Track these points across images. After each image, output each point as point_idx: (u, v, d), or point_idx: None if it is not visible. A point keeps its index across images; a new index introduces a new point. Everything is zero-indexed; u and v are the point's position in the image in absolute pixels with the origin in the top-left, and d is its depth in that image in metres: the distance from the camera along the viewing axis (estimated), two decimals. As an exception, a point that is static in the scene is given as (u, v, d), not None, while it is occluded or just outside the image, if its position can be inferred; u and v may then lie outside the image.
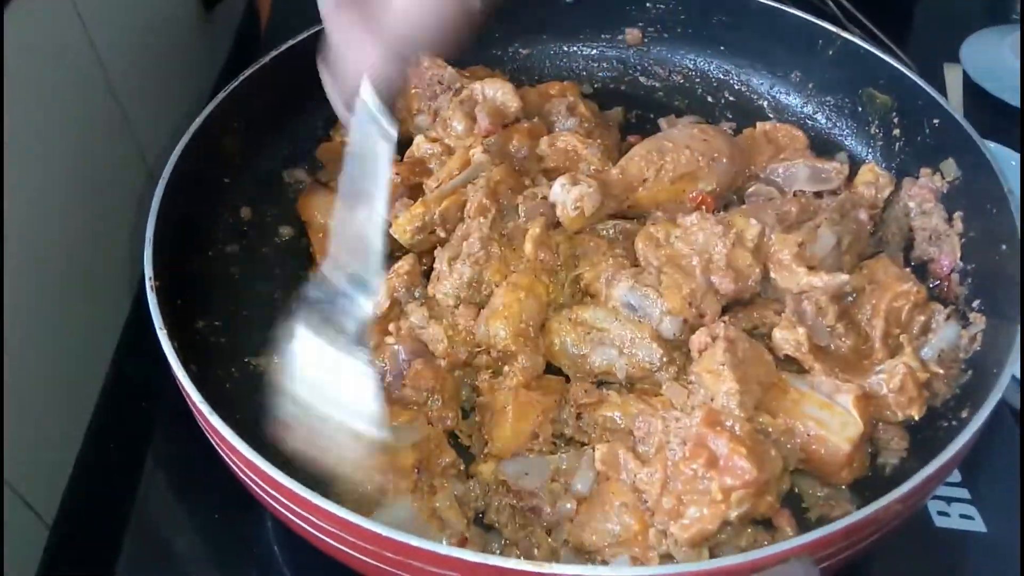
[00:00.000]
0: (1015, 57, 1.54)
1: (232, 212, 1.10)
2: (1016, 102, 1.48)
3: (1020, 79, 1.43)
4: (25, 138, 0.91)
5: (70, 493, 0.99)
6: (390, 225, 0.98)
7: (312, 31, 1.17)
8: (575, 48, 1.35)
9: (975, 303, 0.95)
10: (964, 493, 0.94)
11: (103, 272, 1.10)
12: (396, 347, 0.92)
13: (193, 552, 0.94)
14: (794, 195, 1.05)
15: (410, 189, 1.06)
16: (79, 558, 0.95)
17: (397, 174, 1.05)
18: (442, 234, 1.00)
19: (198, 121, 1.02)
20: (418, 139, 1.10)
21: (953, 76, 1.51)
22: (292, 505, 0.72)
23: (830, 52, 1.18)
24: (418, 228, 0.99)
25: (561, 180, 0.97)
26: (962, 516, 0.93)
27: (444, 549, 0.65)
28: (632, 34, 1.33)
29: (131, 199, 1.15)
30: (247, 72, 1.10)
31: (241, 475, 0.78)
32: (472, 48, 1.29)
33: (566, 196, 0.96)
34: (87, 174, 1.05)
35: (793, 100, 1.26)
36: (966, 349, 0.92)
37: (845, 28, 1.19)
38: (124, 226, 1.14)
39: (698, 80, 1.31)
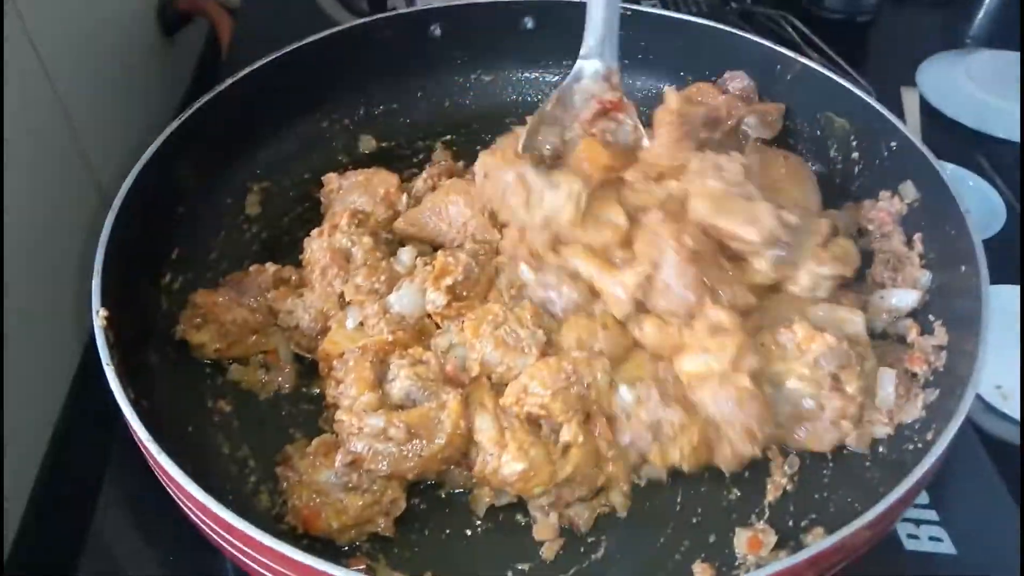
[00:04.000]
0: (970, 80, 1.57)
1: (187, 242, 1.07)
2: (972, 123, 1.51)
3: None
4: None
5: (23, 532, 0.95)
6: None
7: (271, 58, 1.16)
8: (537, 74, 1.35)
9: (936, 324, 0.95)
10: (932, 515, 0.93)
11: (56, 302, 1.07)
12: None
13: (150, 593, 0.90)
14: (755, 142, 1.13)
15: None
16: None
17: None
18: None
19: (151, 149, 1.00)
20: None
21: (911, 99, 1.53)
22: (248, 549, 0.70)
23: (788, 77, 1.19)
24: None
25: None
26: (931, 538, 0.92)
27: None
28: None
29: (84, 229, 1.13)
30: (202, 100, 1.08)
31: (194, 517, 0.75)
32: (434, 76, 1.31)
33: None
34: (37, 204, 1.03)
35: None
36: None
37: (803, 53, 1.20)
38: (78, 256, 1.11)
39: (659, 105, 1.31)
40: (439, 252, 1.00)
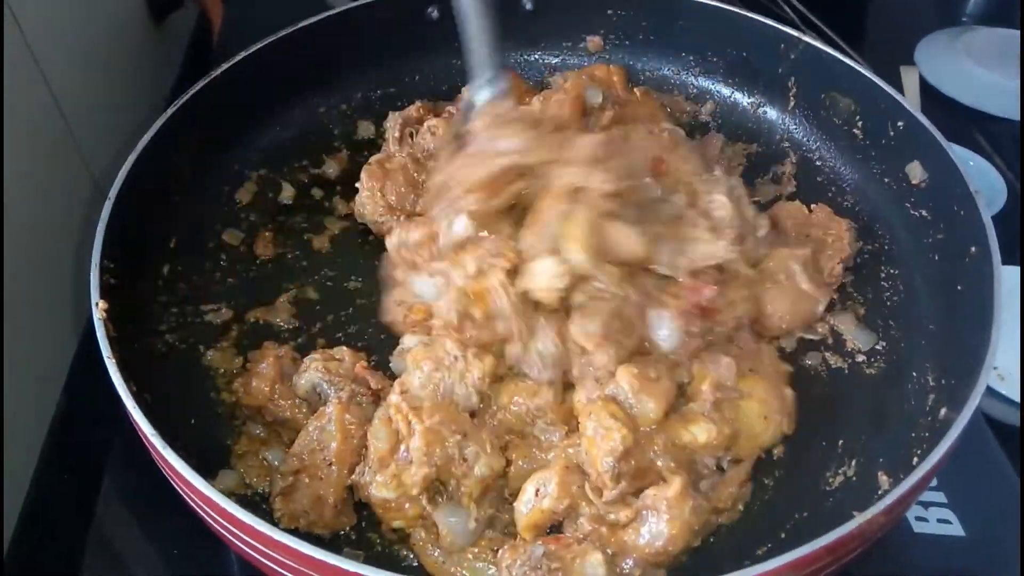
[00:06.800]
0: (968, 58, 1.56)
1: (183, 232, 1.05)
2: (969, 102, 1.50)
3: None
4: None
5: (20, 531, 0.94)
6: None
7: (264, 43, 1.14)
8: (536, 56, 1.33)
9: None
10: (941, 497, 0.93)
11: (52, 295, 1.06)
12: None
13: (152, 591, 0.89)
14: None
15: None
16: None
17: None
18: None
19: (145, 139, 0.99)
20: None
21: (909, 78, 1.52)
22: (255, 543, 0.69)
23: (791, 56, 1.17)
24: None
25: None
26: (940, 521, 0.92)
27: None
28: (594, 41, 1.31)
29: (78, 219, 1.11)
30: (195, 87, 1.06)
31: (200, 512, 0.74)
32: (432, 59, 1.29)
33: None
34: (31, 194, 1.01)
35: (753, 104, 1.25)
36: None
37: (803, 32, 1.19)
38: (72, 247, 1.09)
39: (661, 86, 1.30)
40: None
